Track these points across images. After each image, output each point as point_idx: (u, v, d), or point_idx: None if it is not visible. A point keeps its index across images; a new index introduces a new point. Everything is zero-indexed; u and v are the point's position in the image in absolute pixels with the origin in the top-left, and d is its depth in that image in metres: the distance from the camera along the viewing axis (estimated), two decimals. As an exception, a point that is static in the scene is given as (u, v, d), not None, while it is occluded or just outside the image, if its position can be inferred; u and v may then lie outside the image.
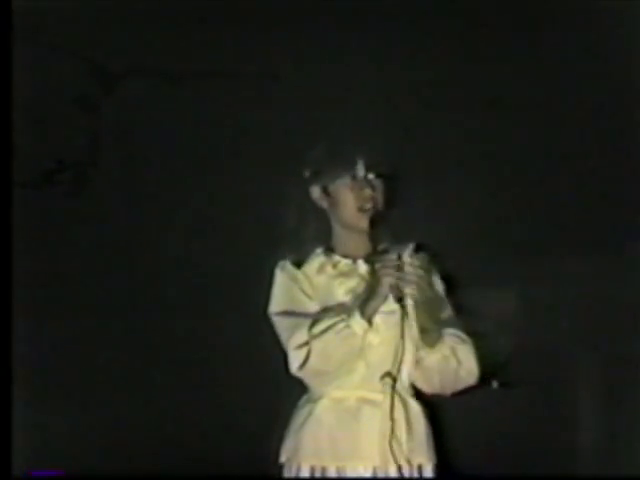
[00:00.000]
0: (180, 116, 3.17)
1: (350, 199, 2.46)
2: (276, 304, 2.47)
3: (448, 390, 2.47)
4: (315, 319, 2.39)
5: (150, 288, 3.20)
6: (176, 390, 3.18)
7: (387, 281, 2.35)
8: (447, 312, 2.50)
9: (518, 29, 3.12)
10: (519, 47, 3.15)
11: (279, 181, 2.43)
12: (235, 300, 2.99)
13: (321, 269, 2.49)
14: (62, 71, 3.13)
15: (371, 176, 2.47)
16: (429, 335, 2.41)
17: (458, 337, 2.45)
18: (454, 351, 2.43)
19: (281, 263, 2.50)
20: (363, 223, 2.45)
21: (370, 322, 2.36)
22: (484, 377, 2.47)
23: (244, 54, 3.14)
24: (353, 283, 2.44)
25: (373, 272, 2.39)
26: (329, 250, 2.50)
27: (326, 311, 2.41)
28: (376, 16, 3.12)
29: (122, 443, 3.14)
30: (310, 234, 2.51)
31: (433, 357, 2.42)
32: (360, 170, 2.49)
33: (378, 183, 2.47)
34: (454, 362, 2.43)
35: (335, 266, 2.48)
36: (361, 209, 2.45)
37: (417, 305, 2.38)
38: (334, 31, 3.07)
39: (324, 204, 2.50)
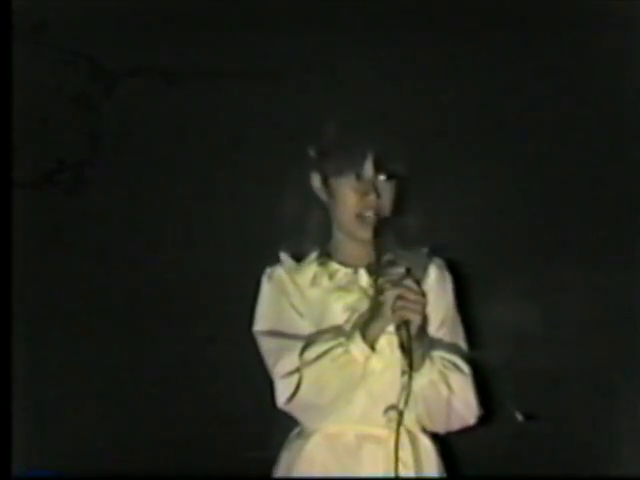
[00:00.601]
0: (180, 116, 3.17)
1: (350, 202, 2.13)
2: (262, 321, 2.14)
3: (440, 425, 2.12)
4: (308, 342, 2.05)
5: (150, 288, 3.19)
6: (176, 390, 3.17)
7: (393, 301, 1.98)
8: (454, 332, 2.19)
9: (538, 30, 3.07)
10: (539, 49, 3.09)
11: (281, 179, 2.26)
12: (236, 300, 2.92)
13: (315, 280, 2.16)
14: (62, 71, 3.13)
15: (381, 178, 2.13)
16: (410, 354, 1.99)
17: (453, 363, 2.11)
18: (445, 377, 2.08)
19: (268, 270, 2.18)
20: (362, 232, 2.12)
21: (373, 347, 2.03)
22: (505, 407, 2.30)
23: (244, 54, 3.13)
24: (353, 298, 2.13)
25: (376, 287, 2.05)
26: (326, 255, 2.18)
27: (321, 333, 2.09)
28: (393, 13, 3.06)
29: (122, 443, 3.14)
30: (311, 228, 2.22)
31: (416, 382, 2.02)
32: (368, 169, 2.13)
33: (388, 187, 2.13)
34: (444, 389, 2.08)
35: (332, 277, 2.16)
36: (360, 216, 2.12)
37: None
38: (342, 30, 3.06)
39: (323, 197, 2.20)
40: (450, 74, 3.10)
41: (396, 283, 2.00)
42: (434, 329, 2.16)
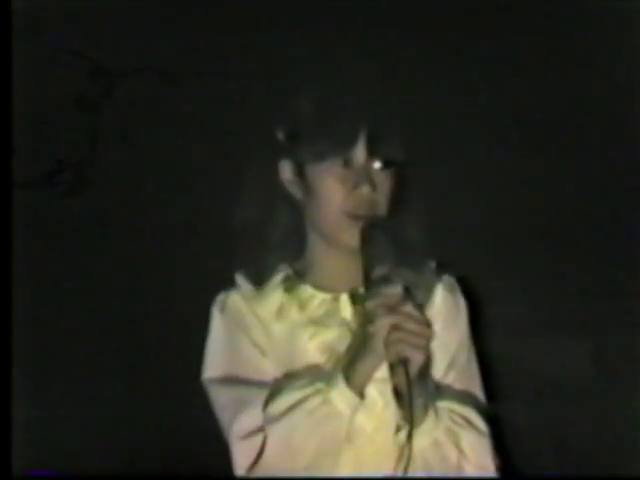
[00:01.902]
0: (180, 116, 3.17)
1: (336, 196, 1.61)
2: (212, 365, 1.67)
3: None
4: (274, 390, 1.57)
5: (150, 288, 3.20)
6: (177, 390, 3.18)
7: (387, 333, 1.49)
8: (467, 376, 1.71)
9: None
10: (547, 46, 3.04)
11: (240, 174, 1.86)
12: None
13: (282, 311, 1.65)
14: (62, 71, 3.13)
15: (377, 165, 1.63)
16: (409, 404, 1.52)
17: (465, 418, 1.63)
18: (454, 437, 1.60)
19: (220, 298, 1.70)
20: (350, 238, 1.60)
21: (361, 394, 1.54)
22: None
23: (244, 54, 3.14)
24: (332, 334, 1.62)
25: (365, 312, 1.54)
26: (297, 276, 1.67)
27: (291, 377, 1.59)
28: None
29: (122, 443, 3.14)
30: (277, 237, 1.69)
31: (416, 442, 1.54)
32: (360, 153, 1.62)
33: (384, 178, 1.63)
34: (453, 452, 1.59)
35: (304, 305, 1.65)
36: (352, 216, 1.61)
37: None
38: (341, 27, 3.05)
39: (297, 193, 1.68)
40: (450, 70, 3.10)
41: (391, 308, 1.52)
42: (441, 371, 1.70)
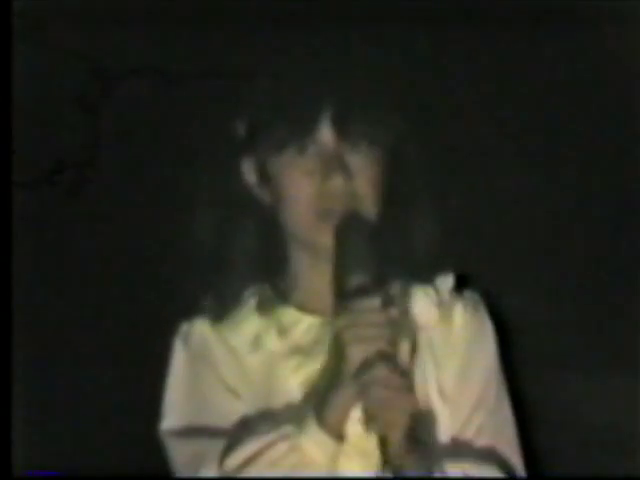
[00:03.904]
0: (180, 116, 3.17)
1: (304, 192, 1.32)
2: (172, 414, 1.42)
3: None
4: (233, 437, 1.29)
5: (150, 288, 3.19)
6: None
7: (358, 353, 1.21)
8: (495, 428, 1.37)
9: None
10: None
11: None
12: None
13: (259, 340, 1.36)
14: (62, 71, 3.13)
15: (350, 148, 1.33)
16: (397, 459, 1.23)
17: None
18: None
19: (183, 329, 1.47)
20: (326, 240, 1.30)
21: (339, 436, 1.25)
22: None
23: (244, 54, 3.13)
24: (319, 367, 1.31)
25: (333, 339, 1.25)
26: (277, 296, 1.38)
27: (256, 420, 1.31)
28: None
29: (122, 443, 3.14)
30: (245, 257, 1.39)
31: None
32: (325, 135, 1.32)
33: (366, 164, 1.34)
34: None
35: (285, 332, 1.36)
36: (325, 213, 1.32)
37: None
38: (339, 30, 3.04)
39: (265, 197, 1.40)
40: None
41: (365, 321, 1.23)
42: (465, 414, 1.37)
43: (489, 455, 1.36)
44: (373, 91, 1.43)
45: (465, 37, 3.02)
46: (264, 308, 1.39)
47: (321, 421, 1.25)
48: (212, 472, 1.29)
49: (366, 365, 1.22)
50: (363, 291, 1.25)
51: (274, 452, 1.26)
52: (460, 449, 1.35)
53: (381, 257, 1.30)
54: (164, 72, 3.15)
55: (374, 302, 1.23)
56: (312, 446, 1.25)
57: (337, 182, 1.32)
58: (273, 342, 1.38)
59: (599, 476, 2.72)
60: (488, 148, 2.95)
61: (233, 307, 1.41)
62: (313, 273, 1.38)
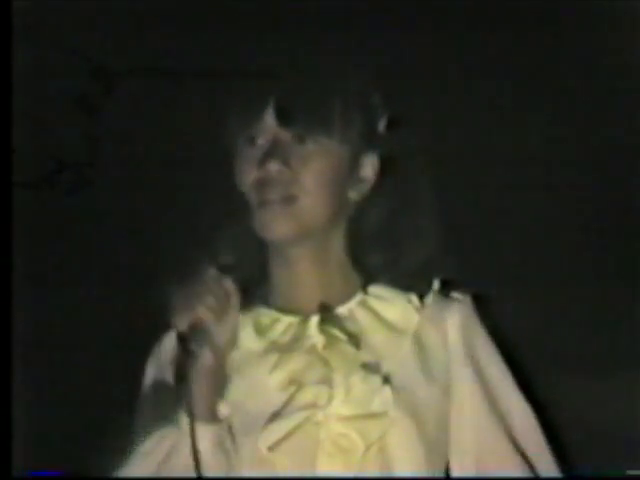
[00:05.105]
0: (180, 116, 3.17)
1: (246, 180, 1.34)
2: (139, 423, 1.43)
3: None
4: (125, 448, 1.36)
5: (150, 288, 3.19)
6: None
7: (183, 322, 1.32)
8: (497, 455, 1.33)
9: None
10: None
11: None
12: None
13: (235, 341, 1.35)
14: (62, 71, 3.13)
15: (296, 138, 1.31)
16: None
17: None
18: None
19: (154, 350, 1.53)
20: (266, 230, 1.32)
21: (211, 417, 1.29)
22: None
23: (244, 54, 3.13)
24: (298, 365, 1.32)
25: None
26: (258, 297, 1.39)
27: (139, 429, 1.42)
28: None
29: (122, 443, 3.14)
30: (234, 249, 1.39)
31: None
32: (266, 124, 1.33)
33: (307, 152, 1.32)
34: None
35: (263, 332, 1.36)
36: (261, 202, 1.31)
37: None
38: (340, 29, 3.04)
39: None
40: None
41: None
42: (456, 451, 1.35)
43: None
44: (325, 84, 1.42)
45: (457, 34, 3.02)
46: (248, 306, 1.38)
47: (189, 410, 1.27)
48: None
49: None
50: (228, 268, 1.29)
51: (152, 458, 1.32)
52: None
53: (368, 260, 1.34)
54: (164, 72, 3.15)
55: (209, 272, 1.29)
56: (177, 432, 1.28)
57: (271, 167, 1.30)
58: (250, 342, 1.37)
59: (600, 476, 2.74)
60: (483, 148, 2.96)
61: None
62: (287, 271, 1.37)
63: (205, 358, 1.30)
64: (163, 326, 3.23)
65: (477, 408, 1.37)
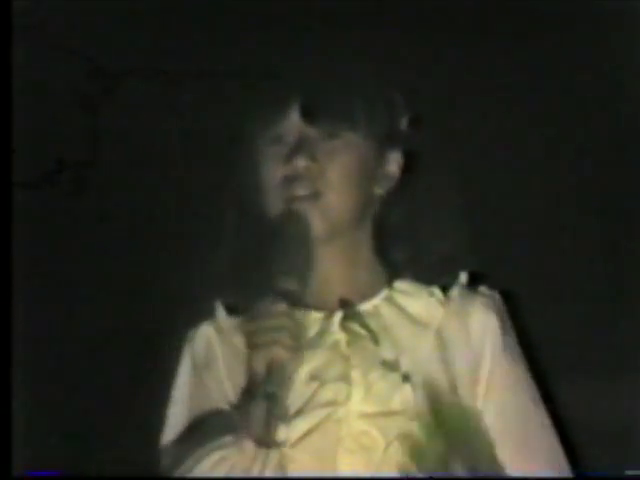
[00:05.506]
0: (180, 116, 3.17)
1: (272, 179, 1.34)
2: (172, 426, 1.45)
3: None
4: (174, 456, 1.34)
5: (150, 288, 3.19)
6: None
7: (260, 360, 1.24)
8: (524, 445, 1.33)
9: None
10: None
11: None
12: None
13: None
14: (62, 71, 3.13)
15: (322, 135, 1.33)
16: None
17: None
18: None
19: (190, 335, 1.46)
20: (292, 225, 1.32)
21: (265, 442, 1.26)
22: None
23: (244, 54, 3.13)
24: (320, 360, 1.32)
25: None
26: (293, 295, 1.30)
27: (192, 435, 1.33)
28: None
29: (122, 443, 3.14)
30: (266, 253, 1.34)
31: None
32: (294, 118, 1.34)
33: (334, 147, 1.34)
34: None
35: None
36: (288, 199, 1.32)
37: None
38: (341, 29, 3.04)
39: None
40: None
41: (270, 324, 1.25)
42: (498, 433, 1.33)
43: None
44: (346, 80, 1.43)
45: (463, 38, 3.01)
46: (277, 303, 1.34)
47: (246, 431, 1.26)
48: None
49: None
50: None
51: (205, 465, 1.27)
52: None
53: (392, 256, 1.35)
54: (164, 72, 3.15)
55: (280, 306, 1.25)
56: (240, 455, 1.25)
57: (299, 164, 1.31)
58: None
59: (600, 476, 2.73)
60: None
61: (247, 307, 1.39)
62: (319, 264, 1.36)
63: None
64: (163, 326, 3.23)
65: (507, 399, 1.37)
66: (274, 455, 1.25)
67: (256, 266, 1.39)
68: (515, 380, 1.39)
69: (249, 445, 1.25)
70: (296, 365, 1.28)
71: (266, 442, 1.26)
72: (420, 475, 1.31)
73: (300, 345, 1.27)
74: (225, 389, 1.38)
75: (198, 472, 1.26)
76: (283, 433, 1.28)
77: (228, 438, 1.27)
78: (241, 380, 1.31)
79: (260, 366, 1.24)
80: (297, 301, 1.31)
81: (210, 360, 1.42)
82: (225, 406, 1.34)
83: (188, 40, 3.09)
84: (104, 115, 3.20)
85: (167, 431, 1.46)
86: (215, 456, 1.26)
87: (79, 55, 3.12)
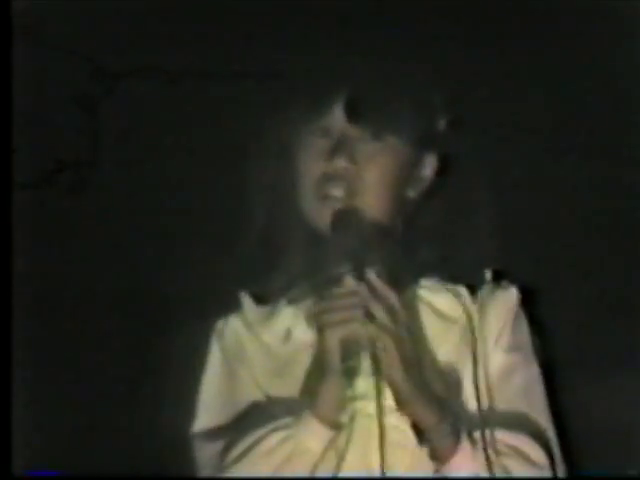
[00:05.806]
0: (180, 116, 3.17)
1: (310, 172, 1.34)
2: (205, 416, 1.41)
3: None
4: (234, 435, 1.30)
5: (151, 288, 3.19)
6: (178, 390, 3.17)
7: (334, 337, 1.23)
8: (530, 400, 1.41)
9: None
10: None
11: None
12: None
13: (289, 335, 1.39)
14: (62, 71, 3.13)
15: (364, 135, 1.33)
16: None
17: (514, 449, 1.30)
18: (500, 471, 1.27)
19: (219, 326, 1.46)
20: (323, 223, 1.34)
21: (336, 424, 1.26)
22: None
23: (244, 54, 3.13)
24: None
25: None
26: (312, 286, 1.35)
27: (255, 411, 1.32)
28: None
29: (123, 443, 3.13)
30: (291, 245, 1.39)
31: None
32: (337, 116, 1.34)
33: (373, 150, 1.34)
34: None
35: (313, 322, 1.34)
36: (324, 197, 1.34)
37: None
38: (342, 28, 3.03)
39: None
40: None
41: (333, 304, 1.25)
42: (489, 391, 1.39)
43: (520, 420, 1.37)
44: (392, 82, 1.44)
45: (521, 35, 2.98)
46: (295, 300, 1.41)
47: (314, 411, 1.27)
48: (214, 470, 1.31)
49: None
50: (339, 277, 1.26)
51: (268, 442, 1.26)
52: (491, 416, 1.36)
53: (422, 254, 1.38)
54: (164, 72, 3.15)
55: (347, 282, 1.24)
56: (307, 435, 1.25)
57: (339, 164, 1.31)
58: (303, 332, 1.39)
59: (600, 476, 2.74)
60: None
61: (273, 301, 1.43)
62: None
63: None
64: (164, 325, 3.24)
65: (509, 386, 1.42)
66: (342, 438, 1.27)
67: (279, 259, 1.42)
68: (512, 369, 1.44)
69: (316, 425, 1.25)
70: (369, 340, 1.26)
71: (335, 423, 1.27)
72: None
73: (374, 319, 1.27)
74: (257, 379, 1.39)
75: (259, 452, 1.26)
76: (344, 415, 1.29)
77: (289, 419, 1.28)
78: (269, 370, 1.35)
79: (334, 344, 1.23)
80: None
81: (238, 351, 1.42)
82: (259, 396, 1.36)
83: (188, 40, 3.09)
84: (104, 115, 3.19)
85: (200, 420, 1.43)
86: (278, 435, 1.26)
87: (79, 55, 3.12)
